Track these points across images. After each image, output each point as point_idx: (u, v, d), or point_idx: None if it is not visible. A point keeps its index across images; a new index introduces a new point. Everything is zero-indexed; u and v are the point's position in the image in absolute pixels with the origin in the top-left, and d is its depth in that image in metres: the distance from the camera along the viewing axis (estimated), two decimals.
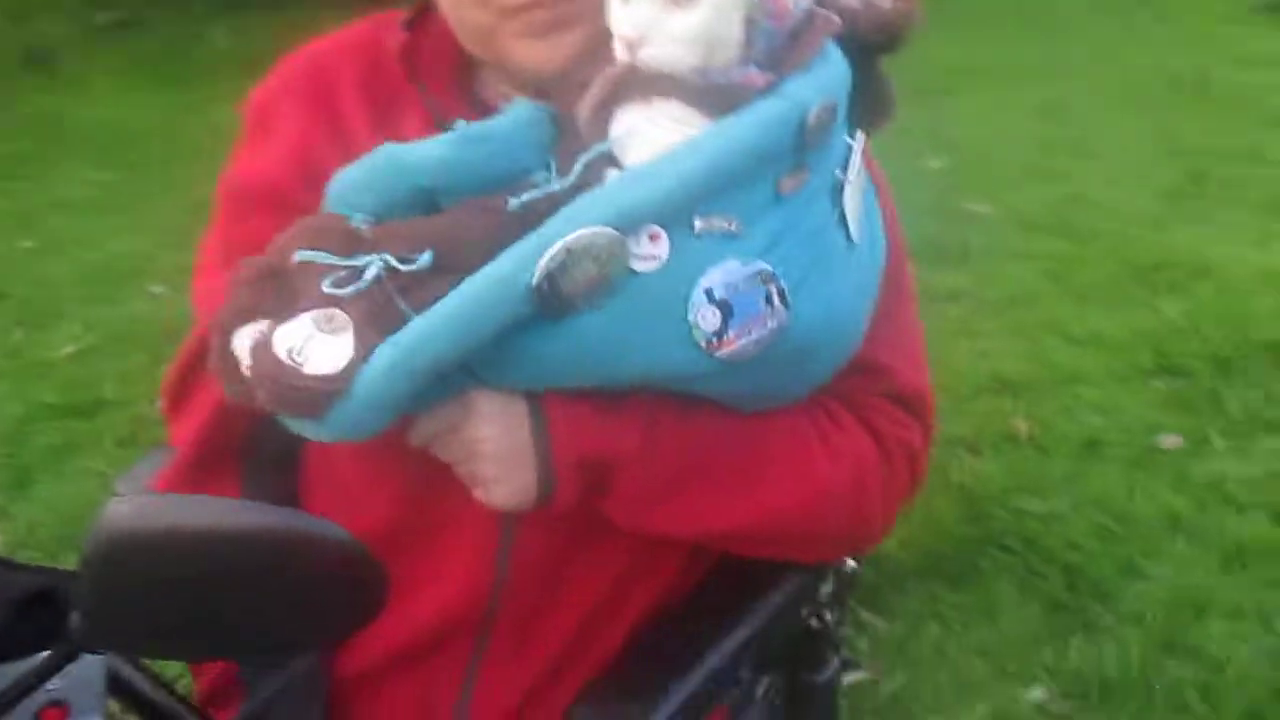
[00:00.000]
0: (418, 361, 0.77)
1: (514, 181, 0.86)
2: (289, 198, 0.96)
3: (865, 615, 2.41)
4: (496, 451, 0.87)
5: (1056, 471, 2.85)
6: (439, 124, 0.99)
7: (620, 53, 0.85)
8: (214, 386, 0.97)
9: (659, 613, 1.07)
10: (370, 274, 0.79)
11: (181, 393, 1.07)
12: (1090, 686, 2.22)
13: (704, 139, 0.82)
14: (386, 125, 1.02)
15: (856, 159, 0.94)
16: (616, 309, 0.81)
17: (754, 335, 0.84)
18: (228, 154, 1.11)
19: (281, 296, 0.81)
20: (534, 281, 0.78)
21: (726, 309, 0.83)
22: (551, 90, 0.92)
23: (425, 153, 0.86)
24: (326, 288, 0.79)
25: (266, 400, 0.77)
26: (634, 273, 0.81)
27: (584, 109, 0.87)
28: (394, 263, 0.80)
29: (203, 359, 0.99)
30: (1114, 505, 2.71)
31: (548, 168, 0.87)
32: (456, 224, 0.84)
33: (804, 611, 1.15)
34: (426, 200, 0.86)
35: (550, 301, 0.79)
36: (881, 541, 1.11)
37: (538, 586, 1.01)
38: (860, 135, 0.96)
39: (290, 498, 1.08)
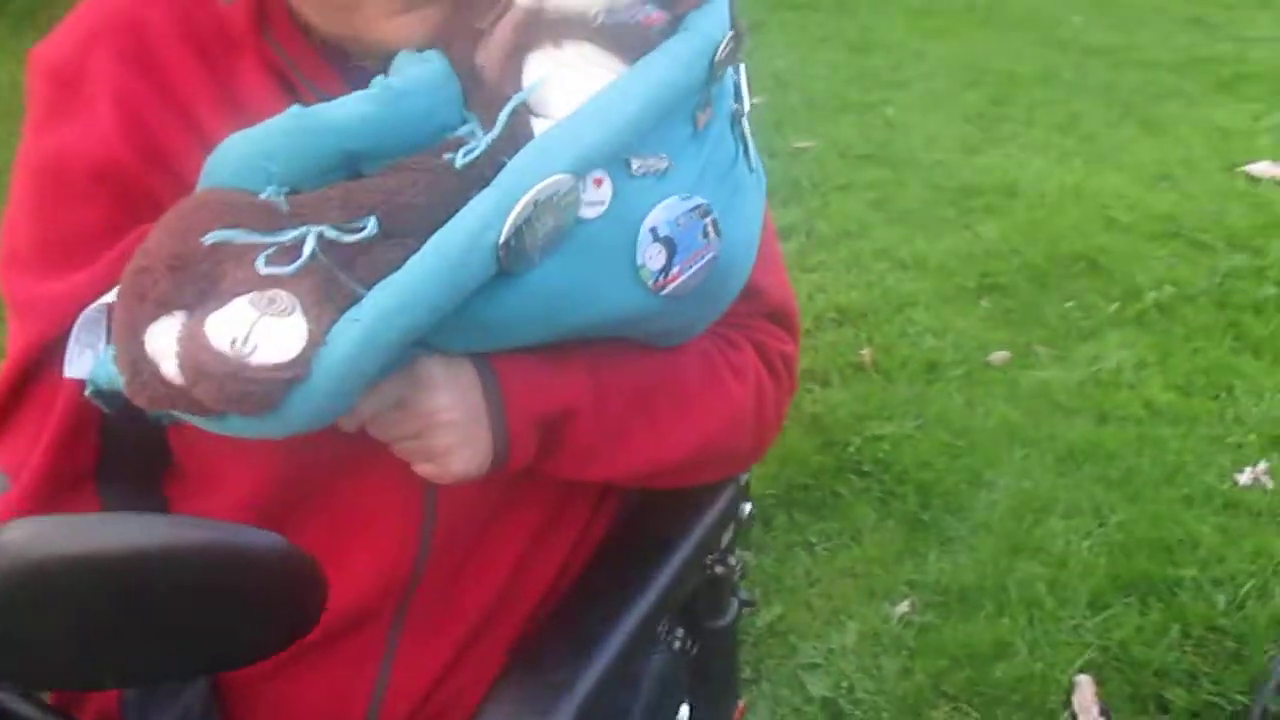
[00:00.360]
0: (388, 336, 0.72)
1: (438, 139, 0.81)
2: (129, 179, 0.87)
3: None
4: (454, 420, 0.84)
5: (900, 395, 2.98)
6: (298, 82, 0.91)
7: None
8: (51, 400, 0.91)
9: (568, 575, 1.07)
10: (309, 248, 0.73)
11: (8, 411, 0.94)
12: (950, 595, 2.36)
13: (630, 80, 0.81)
14: (225, 89, 0.89)
15: (745, 87, 0.96)
16: (567, 259, 0.79)
17: (694, 268, 0.86)
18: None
19: (196, 286, 0.73)
20: (501, 239, 0.74)
21: (670, 246, 0.84)
22: (442, 43, 0.86)
23: (346, 111, 0.79)
24: (264, 267, 0.72)
25: (209, 400, 0.70)
26: (581, 220, 0.79)
27: (490, 58, 0.83)
28: (333, 234, 0.74)
29: (31, 372, 0.91)
30: (955, 422, 2.86)
31: (466, 121, 0.83)
32: (396, 186, 0.77)
33: (709, 560, 1.16)
34: (346, 165, 0.80)
35: (514, 257, 0.76)
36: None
37: (458, 558, 0.98)
38: (743, 68, 0.97)
39: (161, 506, 1.01)
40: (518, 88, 0.82)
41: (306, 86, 0.91)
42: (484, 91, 0.84)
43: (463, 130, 0.82)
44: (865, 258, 3.68)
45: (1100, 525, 2.50)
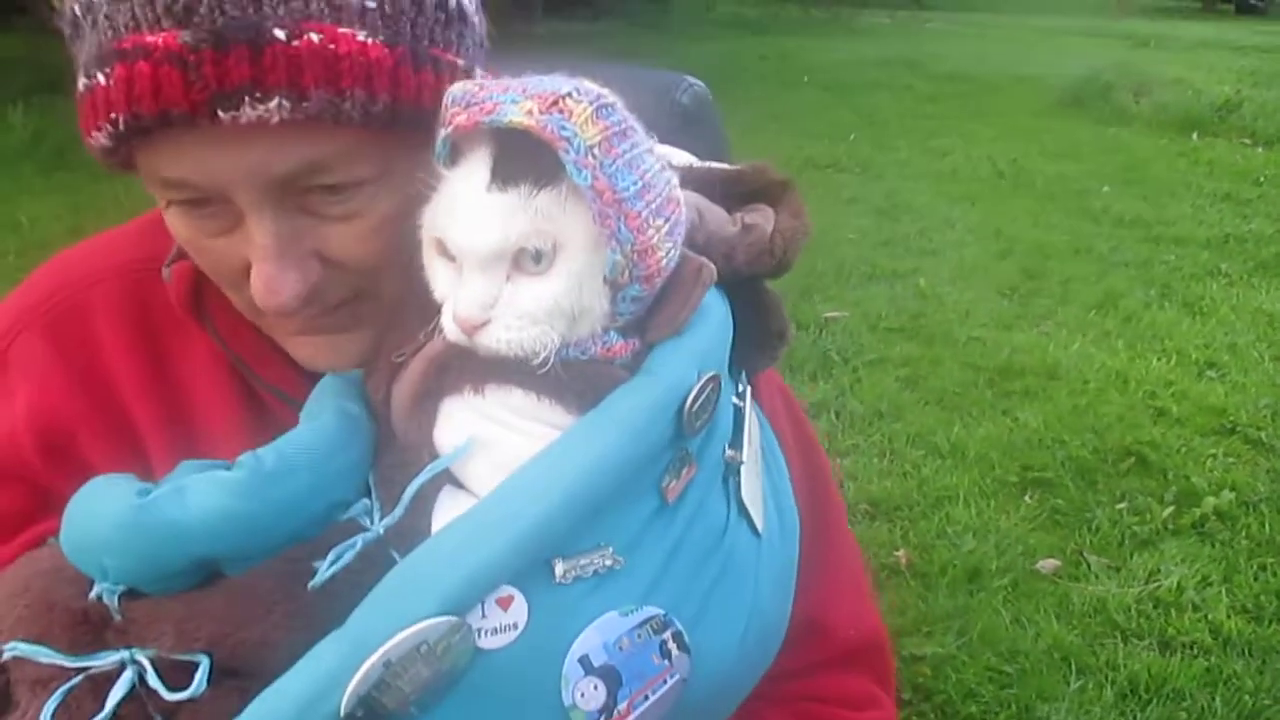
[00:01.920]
0: None
1: (325, 520, 0.65)
2: (34, 475, 0.80)
3: None
4: None
5: (941, 607, 2.72)
6: (235, 364, 0.82)
7: (451, 335, 0.64)
8: None
9: None
10: (118, 693, 0.59)
11: None
12: None
13: (562, 454, 0.62)
14: (162, 373, 0.82)
15: (749, 423, 0.76)
16: (463, 707, 0.60)
17: (650, 700, 0.65)
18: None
19: None
20: (343, 711, 0.57)
21: (611, 676, 0.63)
22: (370, 366, 0.72)
23: (203, 508, 0.62)
24: (48, 716, 0.58)
25: None
26: (482, 653, 0.60)
27: (398, 402, 0.67)
28: (153, 679, 0.59)
29: None
30: (1002, 642, 2.60)
31: (368, 492, 0.66)
32: (244, 608, 0.62)
33: None
34: (200, 569, 0.64)
35: None
36: None
37: None
38: (746, 389, 0.77)
39: None
40: (425, 441, 0.65)
41: (256, 380, 0.82)
42: (391, 449, 0.67)
43: (354, 512, 0.65)
44: (899, 443, 3.47)
45: None
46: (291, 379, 0.79)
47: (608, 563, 0.63)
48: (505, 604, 0.61)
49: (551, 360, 0.62)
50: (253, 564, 0.63)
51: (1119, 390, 3.80)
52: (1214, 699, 2.41)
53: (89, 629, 0.61)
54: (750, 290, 0.75)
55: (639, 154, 0.63)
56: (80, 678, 0.59)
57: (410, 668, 0.57)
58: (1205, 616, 2.68)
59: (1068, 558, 2.93)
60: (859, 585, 0.98)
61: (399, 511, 0.63)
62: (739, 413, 0.75)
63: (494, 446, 0.63)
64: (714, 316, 0.70)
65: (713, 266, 0.68)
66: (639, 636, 0.64)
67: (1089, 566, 2.89)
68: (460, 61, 0.72)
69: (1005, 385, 3.85)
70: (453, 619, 0.58)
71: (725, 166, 0.82)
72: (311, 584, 0.61)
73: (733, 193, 0.78)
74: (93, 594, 0.62)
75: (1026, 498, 3.20)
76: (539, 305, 0.62)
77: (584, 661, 0.62)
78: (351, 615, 0.59)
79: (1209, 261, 5.21)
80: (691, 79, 1.05)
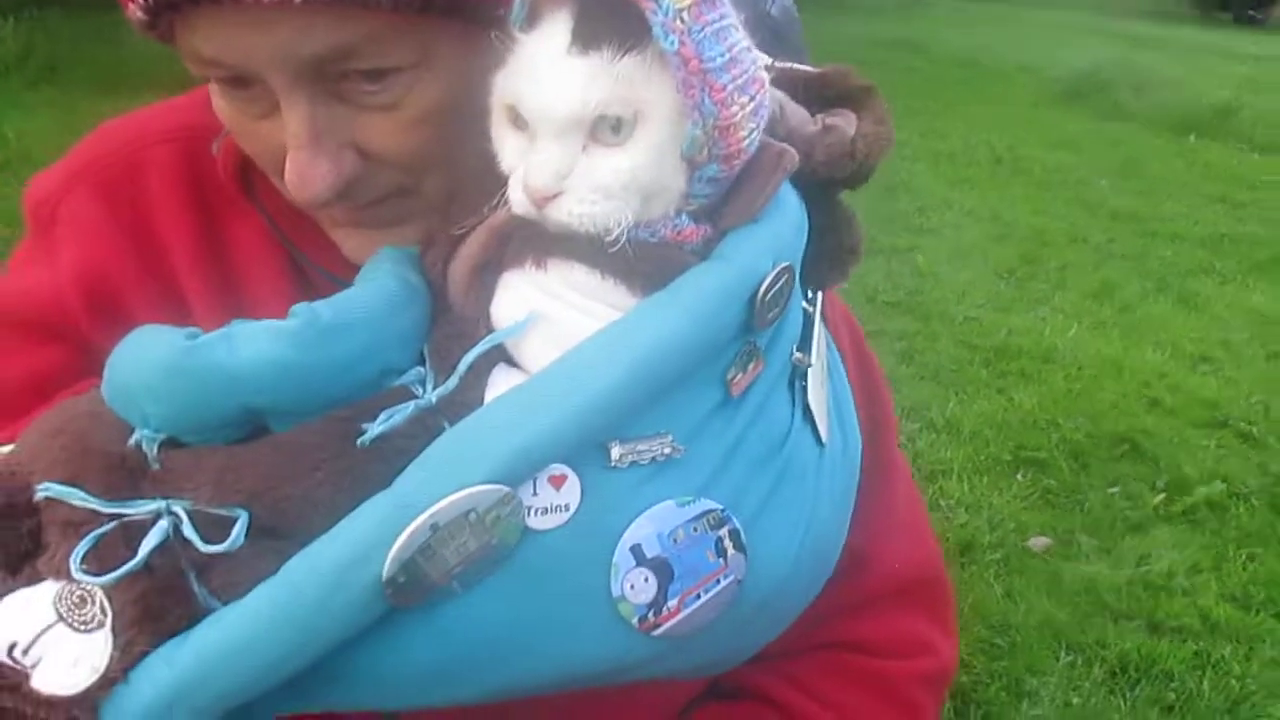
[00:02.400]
0: (203, 698, 0.54)
1: (375, 386, 0.61)
2: (80, 331, 0.77)
3: None
4: None
5: None
6: (285, 245, 0.78)
7: (518, 208, 0.60)
8: None
9: None
10: (151, 541, 0.55)
11: None
12: None
13: (624, 331, 0.59)
14: (213, 243, 0.79)
15: (818, 331, 0.72)
16: (507, 588, 0.58)
17: (702, 600, 0.62)
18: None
19: (12, 541, 0.57)
20: (385, 575, 0.54)
21: (663, 570, 0.60)
22: (425, 245, 0.68)
23: (254, 355, 0.58)
24: (77, 563, 0.55)
25: None
26: (531, 532, 0.57)
27: (457, 273, 0.63)
28: (188, 530, 0.56)
29: None
30: (994, 615, 2.60)
31: (422, 361, 0.62)
32: (288, 462, 0.58)
33: None
34: (248, 420, 0.60)
35: (410, 594, 0.56)
36: None
37: None
38: (818, 296, 0.74)
39: None
40: (482, 315, 0.62)
41: (304, 260, 0.78)
42: (447, 320, 0.63)
43: (406, 379, 0.61)
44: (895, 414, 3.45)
45: None
46: (340, 260, 0.76)
47: (666, 450, 0.60)
48: (558, 483, 0.58)
49: (623, 239, 0.59)
50: (299, 420, 0.59)
51: (1113, 378, 3.80)
52: (1202, 682, 2.42)
53: (125, 475, 0.57)
54: (825, 199, 0.71)
55: (727, 26, 0.59)
56: (113, 524, 0.56)
57: (457, 535, 0.55)
58: (1194, 602, 2.69)
59: (1059, 537, 2.93)
60: (915, 520, 0.94)
61: (453, 381, 0.59)
62: (808, 317, 0.71)
63: (554, 323, 0.60)
64: (790, 209, 0.67)
65: (794, 153, 0.64)
66: (695, 530, 0.61)
67: (1080, 547, 2.89)
68: None
69: (1001, 365, 3.85)
70: (503, 488, 0.55)
71: (808, 68, 0.77)
72: (360, 441, 0.58)
73: (814, 95, 0.74)
74: (131, 440, 0.58)
75: (1019, 476, 3.19)
76: (616, 178, 0.58)
77: (636, 551, 0.59)
78: (399, 478, 0.56)
79: (1204, 259, 5.23)
80: None
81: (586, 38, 0.57)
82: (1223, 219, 6.03)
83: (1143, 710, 2.34)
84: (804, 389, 0.70)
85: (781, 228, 0.65)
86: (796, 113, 0.70)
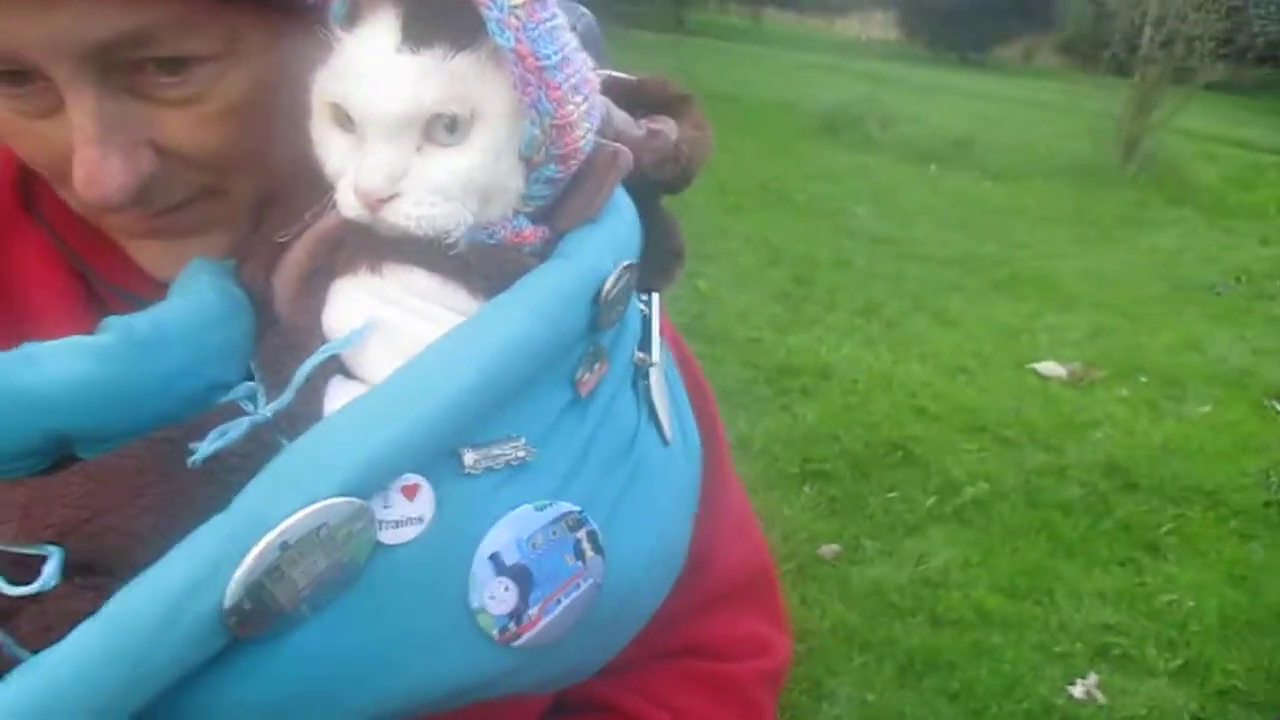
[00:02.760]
0: None
1: (198, 405, 0.56)
2: None
3: None
4: None
5: None
6: (74, 262, 0.70)
7: (348, 211, 0.57)
8: None
9: None
10: None
11: None
12: None
13: (471, 334, 0.57)
14: None
15: (656, 330, 0.73)
16: (360, 609, 0.54)
17: (563, 604, 0.60)
18: None
19: None
20: (228, 602, 0.49)
21: (523, 577, 0.58)
22: (241, 255, 0.64)
23: (61, 373, 0.53)
24: None
25: None
26: (383, 548, 0.54)
27: (284, 282, 0.59)
28: None
29: None
30: (793, 623, 2.69)
31: (250, 376, 0.58)
32: (106, 490, 0.53)
33: None
34: (53, 448, 0.54)
35: (255, 622, 0.51)
36: None
37: None
38: (653, 297, 0.74)
39: None
40: (312, 326, 0.58)
41: (96, 279, 0.70)
42: (275, 332, 0.60)
43: (235, 395, 0.57)
44: None
45: None
46: (139, 276, 0.69)
47: (520, 454, 0.58)
48: (410, 493, 0.54)
49: (461, 241, 0.57)
50: (113, 445, 0.54)
51: (884, 390, 4.05)
52: (980, 669, 2.60)
53: None
54: (648, 205, 0.72)
55: (558, 26, 0.58)
56: None
57: (308, 555, 0.50)
58: (968, 594, 2.89)
59: (846, 542, 3.08)
60: (745, 517, 0.95)
61: (288, 395, 0.55)
62: (644, 319, 0.71)
63: (394, 330, 0.57)
64: (625, 210, 0.66)
65: (629, 153, 0.64)
66: (553, 534, 0.59)
67: (865, 551, 3.05)
68: None
69: (783, 383, 4.02)
70: (356, 501, 0.51)
71: (626, 76, 0.79)
72: (191, 461, 0.53)
73: (634, 102, 0.75)
74: None
75: (807, 488, 3.34)
76: (453, 179, 0.56)
77: (495, 560, 0.56)
78: (237, 497, 0.51)
79: (953, 277, 5.67)
80: (584, 9, 1.02)
81: (418, 35, 0.55)
82: (966, 241, 6.57)
83: (931, 700, 2.49)
84: (647, 388, 0.69)
85: (619, 227, 0.64)
86: (621, 117, 0.70)
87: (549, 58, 0.56)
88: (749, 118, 9.55)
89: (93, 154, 0.59)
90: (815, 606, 2.76)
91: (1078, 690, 2.58)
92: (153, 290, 0.65)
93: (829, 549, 3.03)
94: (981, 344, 4.67)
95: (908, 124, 10.01)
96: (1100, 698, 2.57)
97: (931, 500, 3.32)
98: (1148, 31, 9.37)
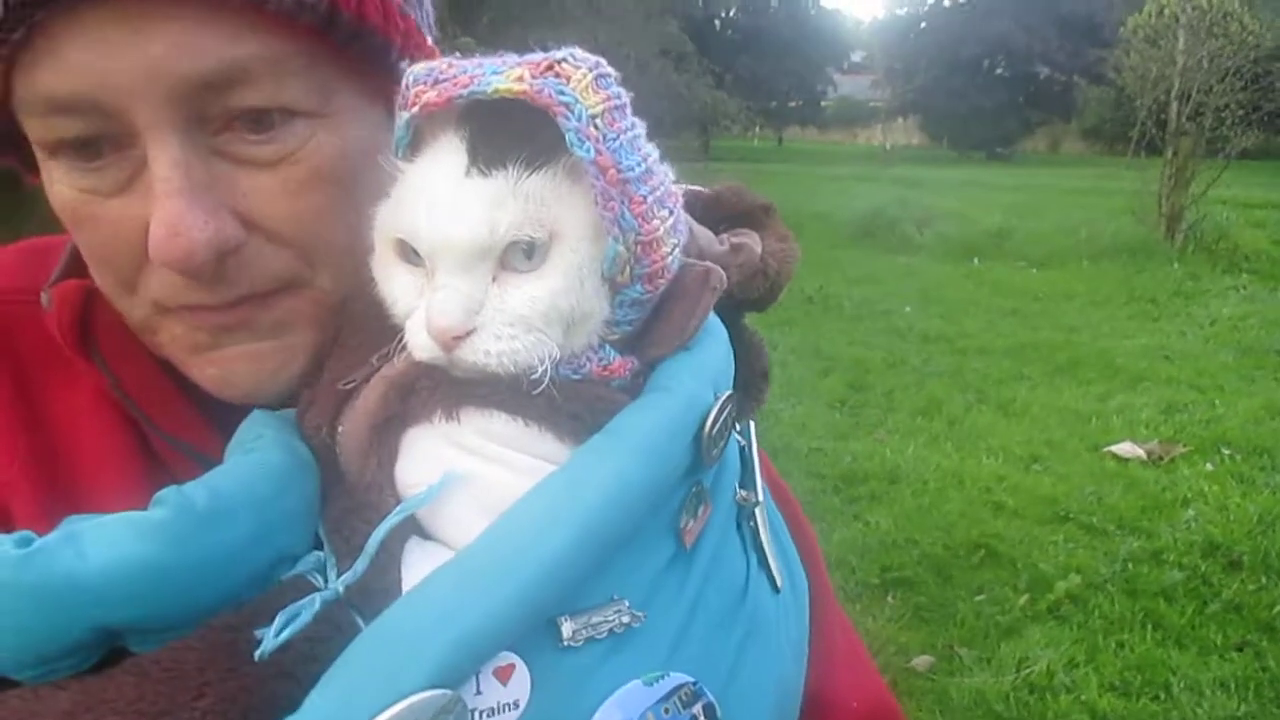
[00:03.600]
0: None
1: (263, 582, 0.51)
2: None
3: None
4: None
5: None
6: (129, 409, 0.65)
7: (421, 353, 0.52)
8: None
9: None
10: None
11: None
12: None
13: (566, 484, 0.51)
14: (33, 416, 0.66)
15: (756, 463, 0.66)
16: None
17: None
18: None
19: None
20: None
21: None
22: (303, 402, 0.59)
23: (112, 559, 0.48)
24: None
25: None
26: None
27: (351, 434, 0.54)
28: None
29: None
30: None
31: (318, 545, 0.53)
32: (162, 693, 0.47)
33: None
34: (102, 639, 0.48)
35: None
36: None
37: None
38: (750, 428, 0.69)
39: None
40: (384, 482, 0.53)
41: (151, 428, 0.65)
42: (343, 491, 0.55)
43: (303, 568, 0.52)
44: None
45: None
46: (196, 427, 0.65)
47: (625, 619, 0.51)
48: (504, 675, 0.48)
49: (546, 377, 0.51)
50: (170, 636, 0.48)
51: (956, 488, 3.91)
52: None
53: None
54: (733, 325, 0.67)
55: (639, 135, 0.54)
56: None
57: None
58: (1079, 697, 2.70)
59: (939, 652, 2.91)
60: (858, 654, 0.88)
61: (362, 564, 0.50)
62: (744, 452, 0.65)
63: (475, 483, 0.51)
64: (719, 334, 0.61)
65: (721, 272, 0.58)
66: (665, 711, 0.52)
67: (961, 659, 2.88)
68: (411, 14, 0.63)
69: (851, 491, 3.90)
70: (448, 693, 0.45)
71: (700, 189, 0.75)
72: (259, 654, 0.47)
73: (711, 216, 0.70)
74: None
75: (890, 598, 3.19)
76: (534, 307, 0.51)
77: None
78: (312, 693, 0.45)
79: (1012, 368, 5.55)
80: None
81: (487, 158, 0.51)
82: (1019, 329, 6.47)
83: None
84: (754, 530, 0.63)
85: (714, 354, 0.58)
86: (703, 232, 0.64)
87: (632, 169, 0.52)
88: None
89: (176, 205, 0.55)
90: None
91: None
92: (210, 444, 0.61)
93: (922, 660, 2.87)
94: (1052, 431, 4.52)
95: (944, 221, 10.03)
96: None
97: (1023, 599, 3.15)
98: (1174, 107, 9.38)
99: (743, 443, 0.66)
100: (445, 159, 0.52)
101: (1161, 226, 9.25)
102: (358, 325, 0.58)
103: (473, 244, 0.50)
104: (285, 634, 0.47)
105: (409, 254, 0.53)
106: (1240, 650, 2.92)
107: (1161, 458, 4.21)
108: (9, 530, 0.62)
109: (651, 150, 0.55)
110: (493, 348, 0.51)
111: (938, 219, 10.17)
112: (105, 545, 0.47)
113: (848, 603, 3.11)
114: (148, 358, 0.65)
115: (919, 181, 14.38)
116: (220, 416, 0.62)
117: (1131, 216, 9.60)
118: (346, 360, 0.57)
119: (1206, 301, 7.35)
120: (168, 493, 0.50)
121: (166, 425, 0.66)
